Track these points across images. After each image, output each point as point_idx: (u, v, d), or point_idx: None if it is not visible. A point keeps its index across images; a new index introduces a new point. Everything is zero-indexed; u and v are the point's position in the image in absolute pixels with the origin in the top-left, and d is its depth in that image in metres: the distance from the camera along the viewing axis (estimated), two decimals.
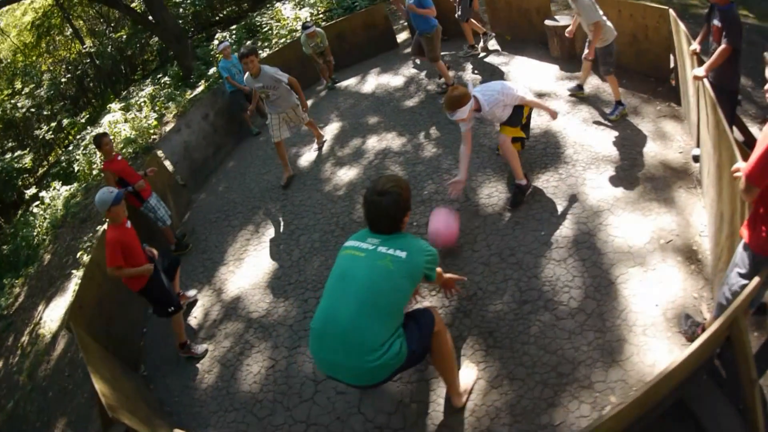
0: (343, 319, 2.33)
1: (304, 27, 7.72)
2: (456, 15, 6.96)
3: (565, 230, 3.79)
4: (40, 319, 6.96)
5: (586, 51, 4.91)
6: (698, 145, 4.07)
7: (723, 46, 3.59)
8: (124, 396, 3.27)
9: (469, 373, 3.03)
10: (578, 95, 5.34)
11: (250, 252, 5.06)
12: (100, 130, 10.43)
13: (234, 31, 12.89)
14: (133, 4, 14.50)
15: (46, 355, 5.86)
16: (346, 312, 2.33)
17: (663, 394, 2.14)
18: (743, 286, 2.24)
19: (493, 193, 4.43)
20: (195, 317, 4.54)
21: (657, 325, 2.98)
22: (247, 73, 5.45)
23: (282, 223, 5.25)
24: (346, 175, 5.60)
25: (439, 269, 2.80)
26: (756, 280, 2.16)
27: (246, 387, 3.64)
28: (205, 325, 4.41)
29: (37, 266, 8.78)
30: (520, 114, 4.10)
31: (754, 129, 4.23)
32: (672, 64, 5.10)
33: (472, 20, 7.02)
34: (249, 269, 4.82)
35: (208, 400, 3.68)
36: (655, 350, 2.85)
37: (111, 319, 4.32)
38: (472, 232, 4.08)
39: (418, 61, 7.61)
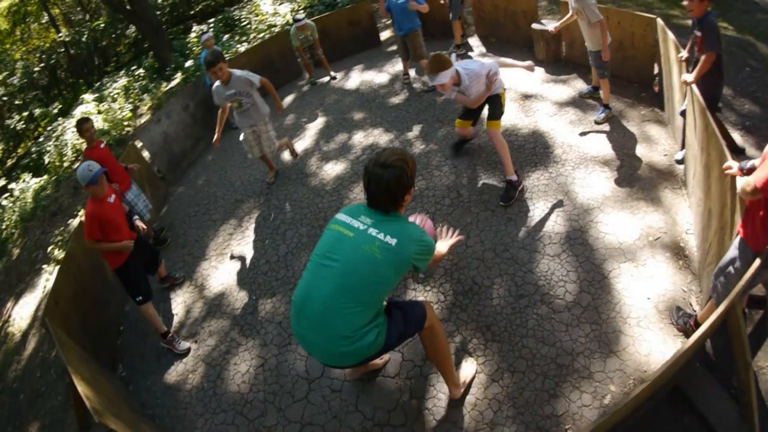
0: (319, 300, 2.23)
1: (296, 20, 7.53)
2: (450, 15, 7.00)
3: (558, 227, 3.86)
4: (9, 316, 6.64)
5: (591, 59, 5.00)
6: (683, 148, 4.22)
7: (706, 53, 3.75)
8: (107, 398, 3.12)
9: (468, 367, 3.04)
10: (594, 96, 5.38)
11: (234, 247, 4.94)
12: (72, 121, 10.09)
13: (212, 25, 12.67)
14: None
15: (16, 354, 5.57)
16: (323, 293, 2.23)
17: (668, 379, 2.21)
18: (739, 278, 2.35)
19: (484, 190, 4.46)
20: (176, 314, 4.40)
21: (650, 317, 3.08)
22: (215, 83, 4.87)
23: (267, 218, 5.14)
24: (333, 170, 5.54)
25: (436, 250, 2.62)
26: (753, 268, 2.28)
27: (234, 387, 3.52)
28: (187, 323, 4.27)
29: (5, 261, 8.40)
30: (499, 103, 4.26)
31: (735, 135, 4.40)
32: (656, 71, 5.27)
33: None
34: (233, 265, 4.70)
35: (193, 401, 3.55)
36: (650, 341, 2.95)
37: (87, 315, 4.13)
38: (465, 228, 4.09)
39: (411, 73, 7.09)
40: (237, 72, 4.87)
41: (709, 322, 2.12)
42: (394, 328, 2.40)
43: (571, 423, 2.66)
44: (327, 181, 5.39)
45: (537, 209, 4.09)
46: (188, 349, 4.01)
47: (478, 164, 4.83)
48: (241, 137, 5.36)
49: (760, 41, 6.37)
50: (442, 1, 6.97)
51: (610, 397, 2.72)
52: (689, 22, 6.76)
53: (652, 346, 2.92)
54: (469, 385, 2.97)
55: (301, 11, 9.90)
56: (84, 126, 4.81)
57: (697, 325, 2.82)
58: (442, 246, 2.72)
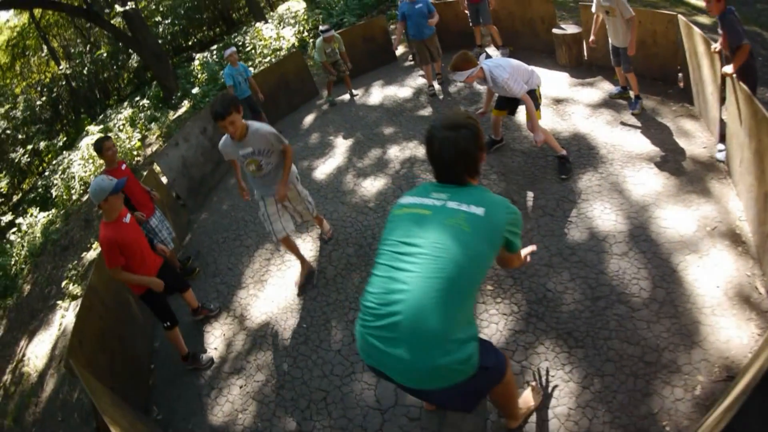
0: (407, 300, 1.81)
1: (321, 31, 7.26)
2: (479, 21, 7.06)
3: (620, 226, 3.87)
4: (23, 355, 6.42)
5: (620, 56, 5.09)
6: (722, 141, 4.27)
7: (740, 45, 3.89)
8: None
9: (531, 397, 2.88)
10: (624, 96, 5.44)
11: (273, 273, 4.67)
12: (78, 153, 10.00)
13: (214, 52, 12.71)
14: (113, 21, 14.05)
15: (33, 396, 5.32)
16: (411, 291, 1.82)
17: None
18: None
19: (538, 195, 4.44)
20: (216, 348, 4.12)
21: (722, 305, 3.10)
22: (223, 139, 3.79)
23: (308, 240, 4.92)
24: (373, 185, 5.39)
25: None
26: None
27: (293, 425, 3.23)
28: (229, 358, 3.98)
29: (17, 297, 8.20)
30: (534, 96, 4.41)
31: None
32: (679, 67, 5.35)
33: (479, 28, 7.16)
34: (275, 291, 4.43)
35: None
36: (726, 328, 2.96)
37: (114, 355, 3.84)
38: (527, 235, 3.99)
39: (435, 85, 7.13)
40: (257, 126, 3.72)
41: None
42: (488, 353, 2.03)
43: (667, 419, 2.62)
44: (368, 197, 5.23)
45: (595, 210, 4.09)
46: (211, 359, 3.92)
47: (526, 169, 4.81)
48: (260, 212, 4.16)
49: (766, 31, 6.55)
50: (466, 11, 7.05)
51: (700, 387, 2.70)
52: (695, 18, 6.95)
53: (729, 332, 2.93)
54: (528, 415, 2.82)
55: (325, 24, 9.66)
56: (105, 144, 4.46)
57: None
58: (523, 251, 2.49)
